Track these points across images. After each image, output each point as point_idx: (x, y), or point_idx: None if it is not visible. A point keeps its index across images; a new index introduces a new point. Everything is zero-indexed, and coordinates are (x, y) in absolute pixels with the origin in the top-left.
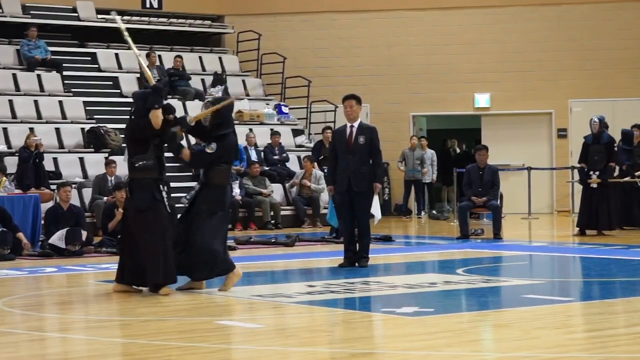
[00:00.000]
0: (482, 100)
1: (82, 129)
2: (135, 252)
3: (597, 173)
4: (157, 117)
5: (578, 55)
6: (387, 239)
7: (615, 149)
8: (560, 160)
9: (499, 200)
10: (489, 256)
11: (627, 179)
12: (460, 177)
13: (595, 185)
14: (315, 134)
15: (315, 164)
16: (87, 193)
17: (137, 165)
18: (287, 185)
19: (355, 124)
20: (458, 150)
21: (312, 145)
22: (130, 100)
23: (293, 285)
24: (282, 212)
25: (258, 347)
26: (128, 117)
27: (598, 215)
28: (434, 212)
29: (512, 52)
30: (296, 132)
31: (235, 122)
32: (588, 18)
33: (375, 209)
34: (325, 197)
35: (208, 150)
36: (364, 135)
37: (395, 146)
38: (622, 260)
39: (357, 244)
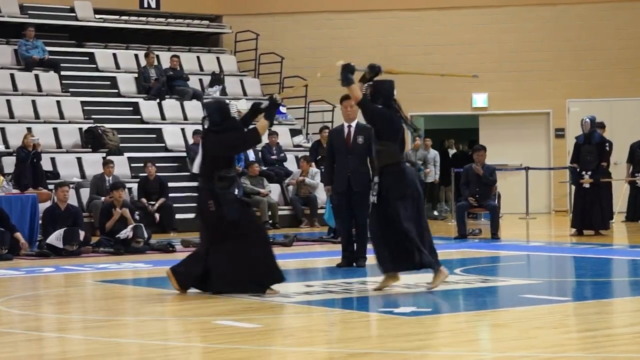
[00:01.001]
0: (479, 100)
1: (80, 128)
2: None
3: (589, 173)
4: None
5: (576, 55)
6: None
7: (607, 148)
8: (558, 160)
9: (496, 200)
10: (487, 256)
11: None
12: (458, 177)
13: (587, 186)
14: (313, 133)
15: (313, 163)
16: (85, 193)
17: (223, 177)
18: (284, 182)
19: (354, 124)
20: (454, 151)
21: (309, 145)
22: (128, 99)
23: (291, 285)
24: (280, 212)
25: (256, 347)
26: (202, 129)
27: (592, 215)
28: (434, 212)
29: (510, 52)
30: (294, 132)
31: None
32: (585, 18)
33: None
34: (322, 196)
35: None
36: (363, 135)
37: None
38: (619, 260)
39: (355, 244)
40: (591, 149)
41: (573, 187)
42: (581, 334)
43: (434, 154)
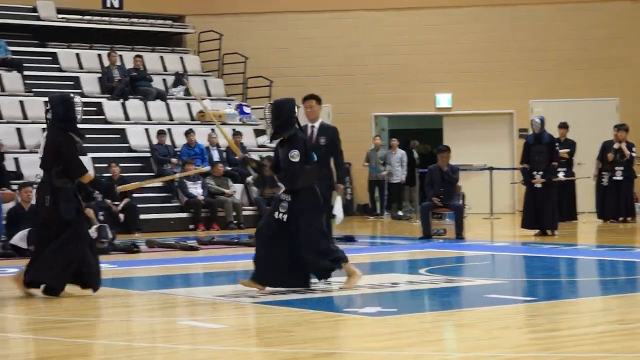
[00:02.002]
0: (443, 100)
1: (43, 129)
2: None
3: (540, 173)
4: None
5: (538, 55)
6: (350, 239)
7: (556, 148)
8: None
9: (460, 200)
10: (452, 256)
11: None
12: (423, 177)
13: (539, 185)
14: None
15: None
16: None
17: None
18: (246, 181)
19: (316, 124)
20: (416, 154)
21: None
22: (91, 100)
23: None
24: (244, 212)
25: (221, 348)
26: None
27: (543, 215)
28: (399, 212)
29: (473, 52)
30: (258, 132)
31: (197, 122)
32: (547, 19)
33: (338, 209)
34: None
35: (294, 160)
36: (325, 135)
37: (357, 146)
38: (583, 260)
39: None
40: (542, 149)
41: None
42: (545, 333)
43: (400, 154)
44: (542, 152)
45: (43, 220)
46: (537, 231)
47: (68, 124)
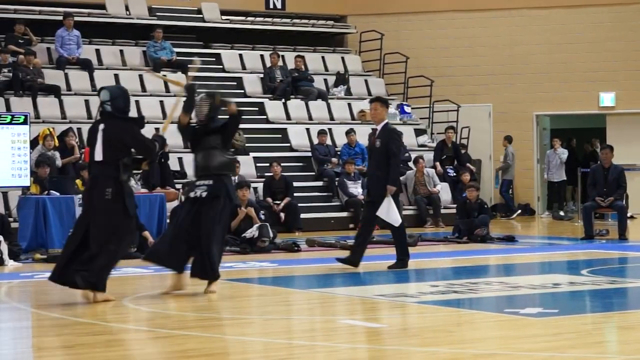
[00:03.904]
0: (607, 99)
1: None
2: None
3: None
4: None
5: None
6: (511, 239)
7: None
8: None
9: (624, 201)
10: (614, 257)
11: None
12: (585, 176)
13: None
14: (438, 133)
15: (438, 163)
16: None
17: (127, 165)
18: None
19: (379, 127)
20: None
21: (434, 145)
22: (254, 100)
23: (417, 285)
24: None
25: (381, 347)
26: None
27: None
28: (560, 212)
29: (638, 50)
30: (418, 132)
31: (358, 122)
32: None
33: (390, 213)
34: (444, 197)
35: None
36: (381, 138)
37: (518, 145)
38: None
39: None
40: None
41: None
42: None
43: (560, 152)
44: None
45: (100, 214)
46: None
47: (128, 115)
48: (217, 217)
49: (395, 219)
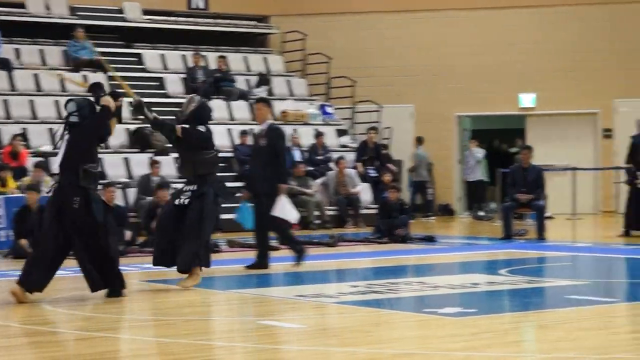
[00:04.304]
0: (527, 100)
1: (127, 129)
2: None
3: None
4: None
5: (624, 54)
6: (431, 239)
7: None
8: (605, 161)
9: (543, 201)
10: (533, 257)
11: None
12: (505, 177)
13: None
14: (360, 134)
15: (359, 164)
16: (132, 193)
17: (88, 172)
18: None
19: (263, 126)
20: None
21: (356, 145)
22: (175, 100)
23: (336, 285)
24: (326, 212)
25: (300, 348)
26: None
27: None
28: (479, 212)
29: (558, 52)
30: (340, 132)
31: (280, 122)
32: (635, 17)
33: (286, 211)
34: (365, 197)
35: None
36: (267, 137)
37: (440, 146)
38: None
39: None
40: None
41: (622, 188)
42: (626, 335)
43: (476, 152)
44: None
45: (71, 222)
46: (621, 231)
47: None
48: (201, 213)
49: (293, 216)
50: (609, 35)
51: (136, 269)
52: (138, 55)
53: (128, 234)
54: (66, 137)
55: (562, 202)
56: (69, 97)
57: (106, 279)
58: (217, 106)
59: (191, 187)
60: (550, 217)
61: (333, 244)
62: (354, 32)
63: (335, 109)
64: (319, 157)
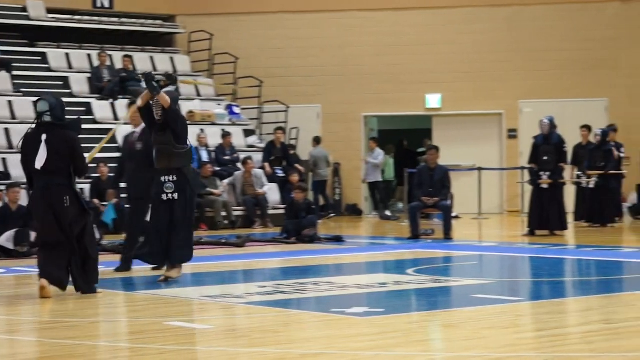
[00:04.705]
0: (433, 100)
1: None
2: None
3: (547, 173)
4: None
5: (528, 56)
6: (338, 239)
7: (565, 149)
8: (511, 161)
9: (449, 201)
10: (439, 256)
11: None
12: (412, 177)
13: (546, 186)
14: (267, 134)
15: (267, 164)
16: None
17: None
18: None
19: (138, 130)
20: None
21: (263, 145)
22: (81, 100)
23: (243, 286)
24: (234, 213)
25: (207, 348)
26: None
27: (549, 216)
28: (387, 212)
29: (463, 53)
30: (248, 133)
31: (187, 122)
32: (538, 20)
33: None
34: (273, 197)
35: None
36: (142, 141)
37: (347, 146)
38: (571, 260)
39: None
40: (550, 149)
41: (526, 188)
42: (532, 333)
43: (377, 153)
44: (550, 152)
45: (65, 220)
46: (526, 231)
47: (64, 123)
48: (186, 207)
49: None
50: (513, 36)
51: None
52: (42, 54)
53: (33, 235)
54: (44, 137)
55: (468, 202)
56: (39, 97)
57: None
58: (123, 106)
59: (170, 178)
60: (456, 217)
61: (241, 244)
62: (260, 32)
63: (243, 109)
64: (226, 158)
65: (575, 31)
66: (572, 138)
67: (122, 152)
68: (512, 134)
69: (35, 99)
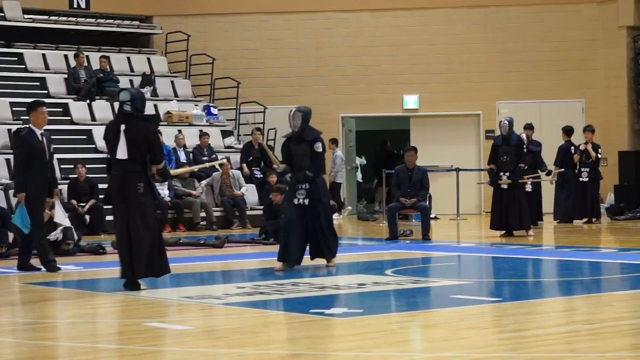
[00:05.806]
0: (410, 101)
1: (9, 130)
2: None
3: (507, 174)
4: None
5: (505, 57)
6: None
7: (524, 150)
8: None
9: (427, 202)
10: (418, 257)
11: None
12: (390, 177)
13: (505, 186)
14: (244, 135)
15: (245, 165)
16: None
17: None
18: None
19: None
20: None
21: (241, 146)
22: (58, 100)
23: (222, 287)
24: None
25: (187, 349)
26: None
27: (508, 216)
28: (364, 212)
29: (441, 53)
30: (225, 133)
31: (164, 123)
32: (515, 21)
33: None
34: (251, 198)
35: (320, 150)
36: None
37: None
38: (548, 260)
39: None
40: (509, 150)
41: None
42: (511, 334)
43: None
44: (510, 153)
45: (135, 206)
46: (503, 232)
47: (143, 116)
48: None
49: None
50: (490, 37)
51: (19, 271)
52: (19, 54)
53: (11, 236)
54: (122, 127)
55: (446, 203)
56: (122, 87)
57: None
58: (101, 107)
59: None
60: (435, 218)
61: (219, 245)
62: (237, 33)
63: (220, 109)
64: (204, 158)
65: (552, 32)
66: (549, 139)
67: None
68: (490, 134)
69: (11, 100)
